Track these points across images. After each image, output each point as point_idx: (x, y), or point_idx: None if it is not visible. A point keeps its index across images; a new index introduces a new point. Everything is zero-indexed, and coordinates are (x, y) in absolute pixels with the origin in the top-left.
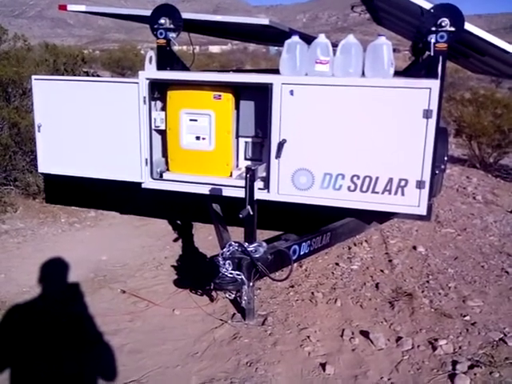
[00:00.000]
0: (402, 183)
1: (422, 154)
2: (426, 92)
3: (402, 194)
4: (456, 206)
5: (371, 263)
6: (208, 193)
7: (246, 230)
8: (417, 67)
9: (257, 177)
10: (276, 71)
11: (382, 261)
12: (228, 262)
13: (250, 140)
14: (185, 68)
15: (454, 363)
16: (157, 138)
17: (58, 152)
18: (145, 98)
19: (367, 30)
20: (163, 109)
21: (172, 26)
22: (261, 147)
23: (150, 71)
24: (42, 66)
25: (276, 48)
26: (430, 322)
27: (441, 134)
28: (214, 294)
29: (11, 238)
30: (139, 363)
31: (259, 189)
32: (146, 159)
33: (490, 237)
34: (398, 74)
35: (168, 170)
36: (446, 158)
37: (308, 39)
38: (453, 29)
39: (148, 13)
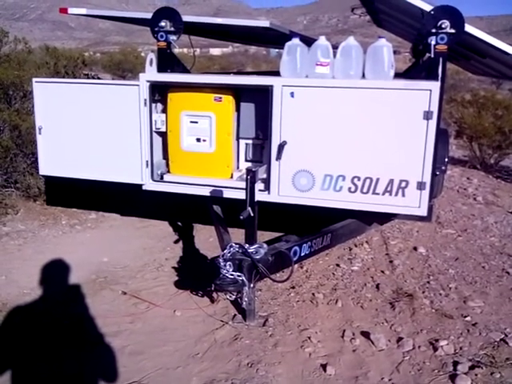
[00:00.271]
0: (403, 184)
1: (422, 155)
2: (426, 94)
3: (403, 195)
4: (457, 206)
5: (372, 264)
6: (209, 194)
7: (246, 232)
8: (417, 69)
9: (257, 178)
10: (276, 73)
11: (383, 262)
12: (229, 263)
13: (250, 142)
14: (185, 70)
15: (455, 364)
16: (157, 140)
17: (59, 154)
18: (145, 100)
19: (367, 32)
20: (164, 111)
21: (172, 29)
22: (261, 149)
23: (151, 73)
24: (43, 69)
25: (276, 50)
26: (430, 322)
27: (441, 136)
28: (214, 295)
29: (12, 240)
30: (140, 364)
31: (260, 190)
32: (147, 161)
33: (491, 237)
34: (398, 75)
35: (169, 171)
36: (446, 159)
37: (308, 41)
38: (453, 31)
39: (149, 16)
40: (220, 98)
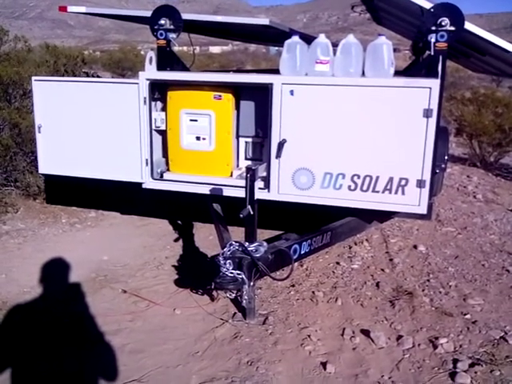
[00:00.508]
0: (403, 182)
1: (422, 153)
2: (426, 91)
3: (403, 193)
4: (456, 204)
5: (372, 262)
6: (208, 193)
7: (246, 230)
8: (417, 67)
9: (257, 177)
10: (276, 71)
11: (383, 260)
12: (229, 261)
13: (250, 140)
14: (185, 68)
15: (455, 361)
16: (157, 138)
17: (59, 153)
18: (145, 98)
19: (367, 29)
20: (163, 109)
21: (172, 27)
22: (261, 147)
23: (150, 72)
24: (43, 67)
25: (276, 48)
26: (430, 320)
27: (441, 133)
28: (214, 293)
29: (12, 239)
30: (140, 363)
31: (259, 188)
32: (147, 159)
33: (491, 235)
34: (398, 73)
35: (168, 170)
36: (446, 157)
37: (308, 39)
38: (453, 28)
39: (148, 14)
40: (220, 96)
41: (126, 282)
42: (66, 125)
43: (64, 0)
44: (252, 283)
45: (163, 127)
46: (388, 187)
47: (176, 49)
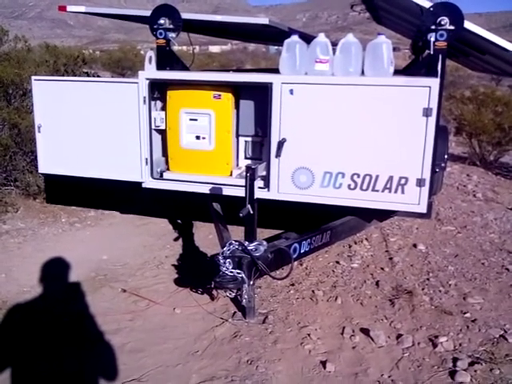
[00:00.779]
0: (402, 181)
1: (422, 152)
2: (425, 90)
3: (402, 192)
4: (456, 203)
5: (371, 261)
6: (208, 192)
7: (246, 229)
8: (417, 66)
9: (257, 176)
10: (276, 71)
11: (383, 259)
12: (228, 260)
13: (249, 139)
14: (184, 68)
15: (455, 360)
16: (157, 137)
17: (58, 152)
18: (145, 97)
19: (367, 28)
20: (163, 108)
21: (171, 26)
22: (261, 146)
23: (150, 71)
24: (42, 67)
25: (276, 47)
26: (430, 319)
27: (441, 132)
28: (214, 292)
29: (12, 238)
30: (140, 362)
31: (259, 188)
32: (146, 159)
33: (491, 234)
34: (397, 72)
35: (168, 169)
36: (446, 156)
37: (308, 38)
38: (452, 27)
39: (148, 13)
40: (219, 95)
41: (126, 282)
42: (66, 124)
43: (63, 0)
44: (252, 282)
45: (163, 126)
46: (388, 186)
47: (175, 48)
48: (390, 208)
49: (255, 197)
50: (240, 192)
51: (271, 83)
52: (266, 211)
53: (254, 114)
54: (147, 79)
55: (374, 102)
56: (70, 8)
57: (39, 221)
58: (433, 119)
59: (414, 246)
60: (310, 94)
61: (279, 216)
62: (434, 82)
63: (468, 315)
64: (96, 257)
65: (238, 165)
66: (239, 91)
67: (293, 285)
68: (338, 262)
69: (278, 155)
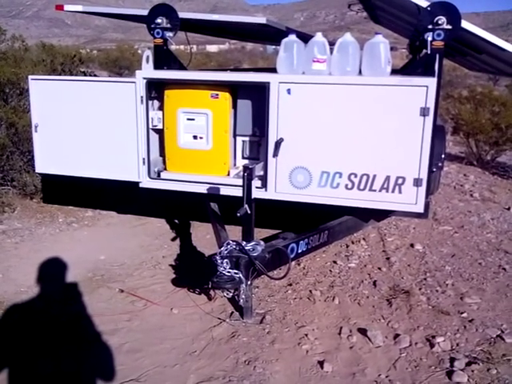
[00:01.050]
0: (400, 181)
1: (419, 151)
2: (422, 90)
3: (400, 192)
4: (453, 203)
5: (369, 261)
6: (206, 192)
7: (243, 229)
8: (414, 65)
9: (254, 175)
10: (273, 70)
11: (380, 258)
12: (226, 260)
13: (247, 139)
14: (182, 67)
15: (452, 360)
16: (154, 137)
17: (55, 152)
18: (142, 97)
19: (364, 28)
20: (160, 108)
21: (169, 26)
22: (258, 146)
23: (147, 71)
24: (40, 66)
25: (273, 47)
26: (427, 319)
27: (438, 132)
28: (212, 292)
29: (9, 238)
30: (137, 362)
31: (257, 187)
32: (144, 158)
33: (488, 234)
34: (395, 72)
35: (165, 169)
36: (443, 156)
37: (305, 38)
38: (449, 27)
39: (145, 12)
40: (217, 94)
41: (123, 282)
42: (63, 124)
43: None
44: (249, 282)
45: (160, 126)
46: (385, 186)
47: (173, 47)
48: (388, 208)
49: (253, 196)
50: (237, 192)
51: (269, 83)
52: (263, 211)
53: (251, 114)
54: (144, 79)
55: (371, 101)
56: (67, 7)
57: (36, 221)
58: (430, 119)
59: (411, 245)
60: (308, 94)
61: (277, 216)
62: (431, 82)
63: (465, 315)
64: (93, 257)
65: (235, 164)
66: (237, 91)
67: (290, 285)
68: (335, 262)
69: (275, 155)
